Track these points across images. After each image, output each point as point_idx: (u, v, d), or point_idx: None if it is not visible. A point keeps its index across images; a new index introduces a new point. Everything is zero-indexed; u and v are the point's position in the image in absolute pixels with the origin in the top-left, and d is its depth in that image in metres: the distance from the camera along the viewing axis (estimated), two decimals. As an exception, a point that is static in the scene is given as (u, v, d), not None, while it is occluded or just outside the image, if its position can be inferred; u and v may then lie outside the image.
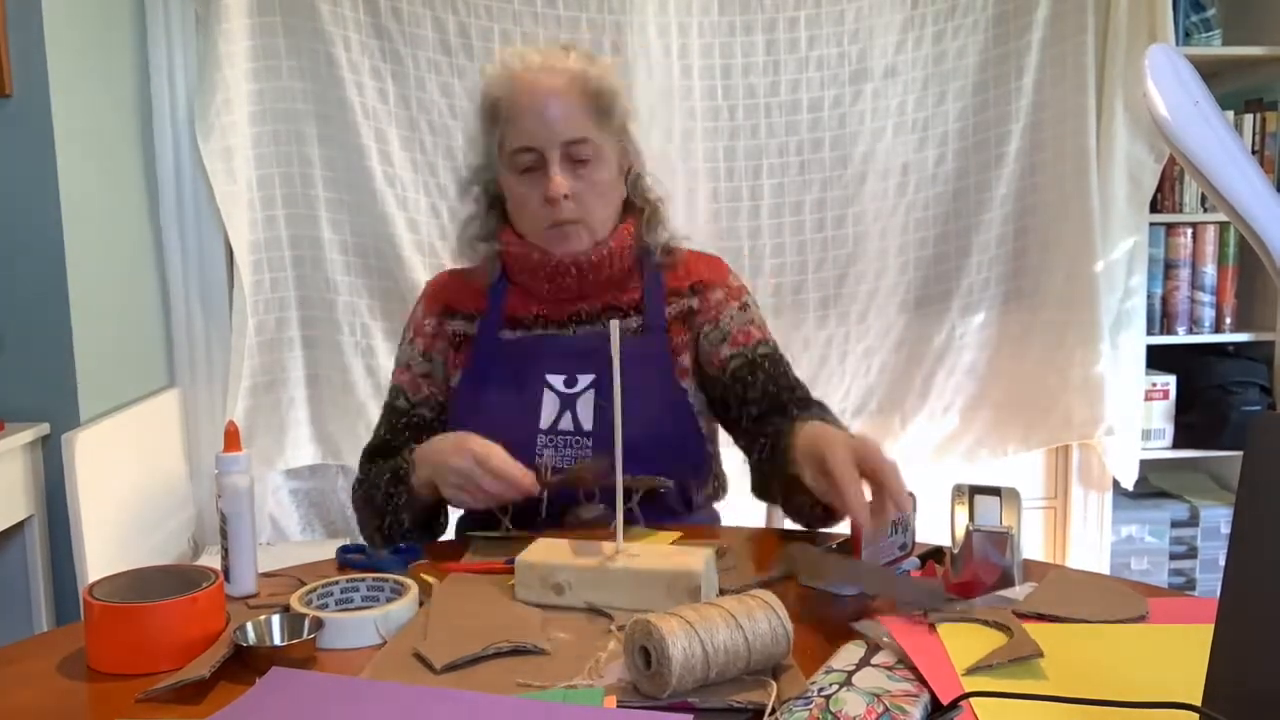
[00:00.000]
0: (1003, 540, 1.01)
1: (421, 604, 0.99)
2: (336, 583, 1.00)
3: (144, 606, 0.88)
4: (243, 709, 0.79)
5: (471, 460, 1.16)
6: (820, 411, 1.33)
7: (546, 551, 1.04)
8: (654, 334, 1.37)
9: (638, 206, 1.41)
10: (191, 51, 2.28)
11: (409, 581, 1.00)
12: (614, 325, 1.01)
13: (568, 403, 1.32)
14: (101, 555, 1.89)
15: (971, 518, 1.07)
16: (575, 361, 1.33)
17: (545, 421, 1.32)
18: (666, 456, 1.30)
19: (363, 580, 1.01)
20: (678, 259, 1.42)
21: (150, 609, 0.88)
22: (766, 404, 1.36)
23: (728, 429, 1.42)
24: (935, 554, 1.11)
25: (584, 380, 1.33)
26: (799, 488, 1.14)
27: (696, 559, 0.99)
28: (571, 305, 1.37)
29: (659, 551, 1.03)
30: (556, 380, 1.34)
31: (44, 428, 1.86)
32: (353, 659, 0.89)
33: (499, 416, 1.31)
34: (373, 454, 1.40)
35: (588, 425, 1.32)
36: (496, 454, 1.16)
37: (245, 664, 0.87)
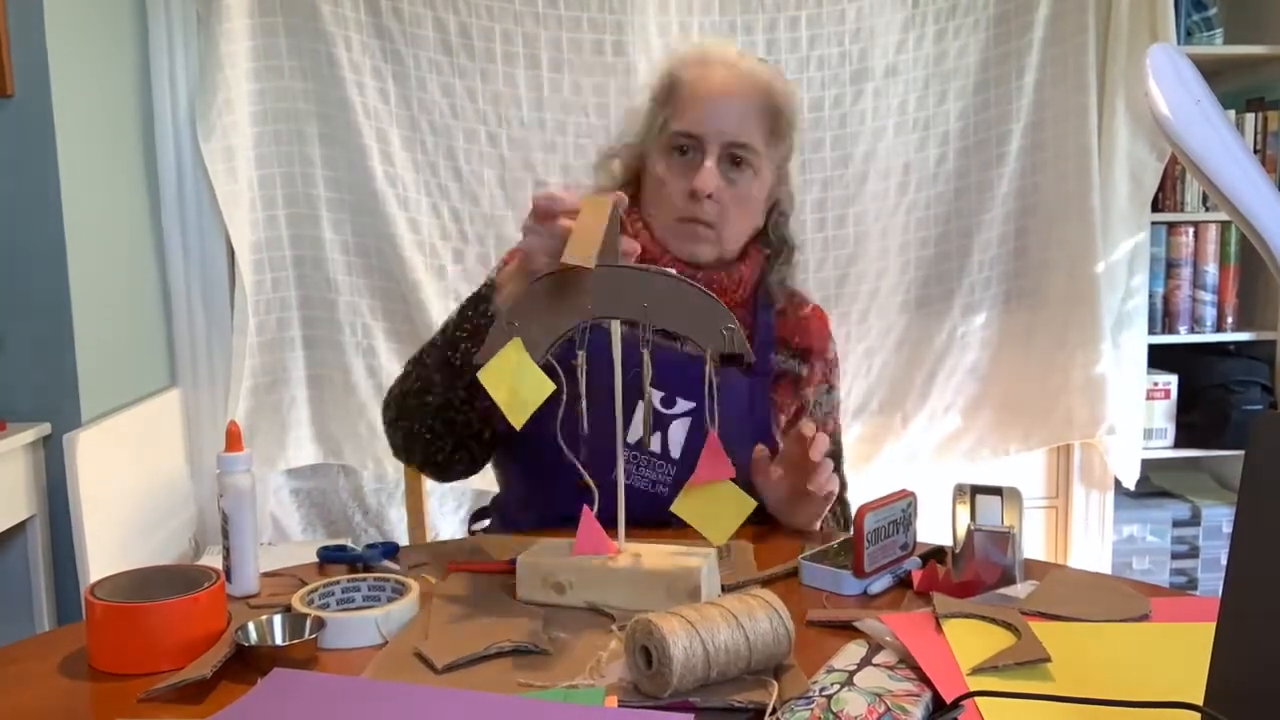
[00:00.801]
0: (1004, 540, 1.01)
1: (423, 604, 0.99)
2: (338, 583, 1.00)
3: (145, 606, 0.88)
4: (244, 709, 0.79)
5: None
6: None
7: (548, 551, 1.03)
8: (760, 378, 1.32)
9: (773, 243, 1.35)
10: (193, 52, 2.28)
11: (410, 581, 1.00)
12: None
13: (661, 423, 1.27)
14: (103, 555, 1.89)
15: (973, 517, 1.07)
16: (679, 383, 1.25)
17: (633, 435, 1.26)
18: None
19: (364, 580, 1.01)
20: (794, 309, 1.38)
21: (152, 609, 0.88)
22: None
23: None
24: (937, 553, 1.11)
25: (683, 405, 1.27)
26: None
27: (698, 560, 0.99)
28: None
29: (661, 552, 1.02)
30: (655, 395, 1.27)
31: (45, 428, 1.86)
32: (354, 659, 0.89)
33: (587, 413, 1.24)
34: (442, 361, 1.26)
35: (676, 453, 1.26)
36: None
37: (247, 664, 0.87)
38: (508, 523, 1.38)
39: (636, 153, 1.33)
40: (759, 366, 1.32)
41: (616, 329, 1.00)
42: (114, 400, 2.05)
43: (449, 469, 1.30)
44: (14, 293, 1.87)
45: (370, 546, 1.15)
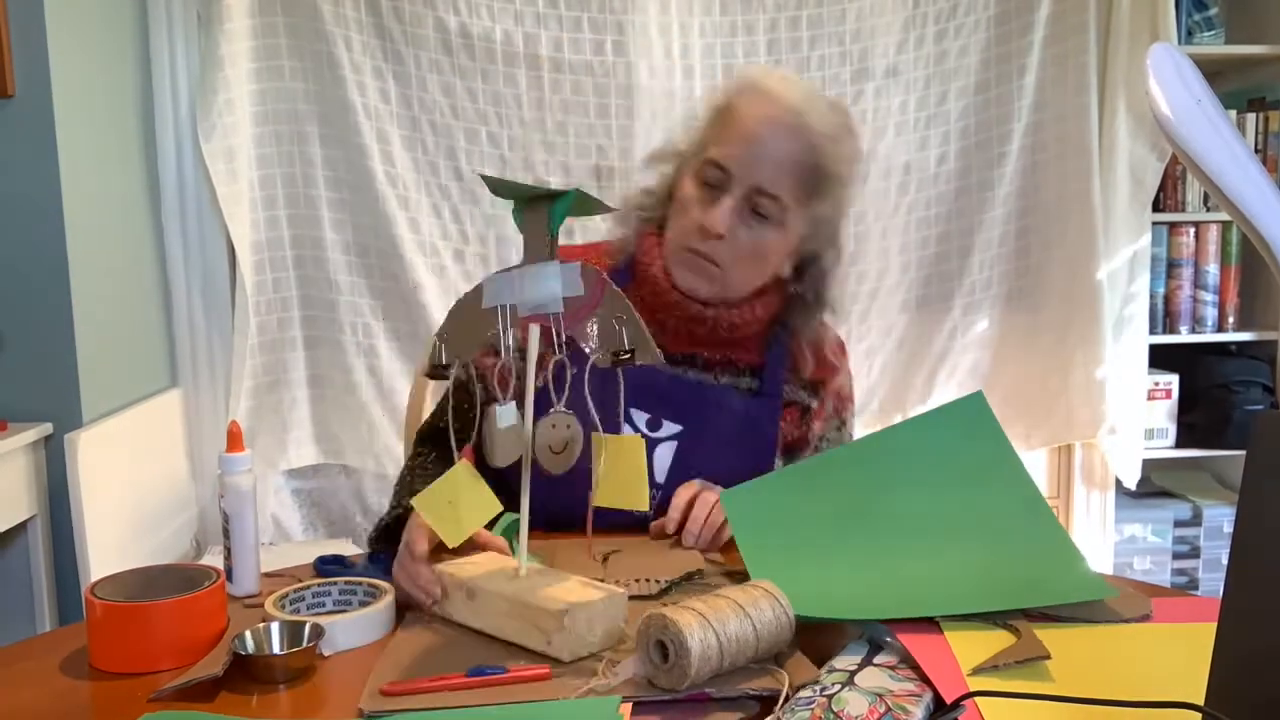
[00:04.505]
0: None
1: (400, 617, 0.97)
2: (309, 587, 0.99)
3: (146, 605, 0.88)
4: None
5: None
6: None
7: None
8: (769, 401, 1.27)
9: (802, 296, 1.28)
10: (194, 52, 2.28)
11: (384, 585, 0.98)
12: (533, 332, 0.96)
13: (647, 447, 1.27)
14: (104, 555, 1.89)
15: None
16: (664, 405, 1.22)
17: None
18: None
19: (334, 584, 1.00)
20: (814, 339, 1.31)
21: (152, 608, 0.88)
22: None
23: None
24: None
25: (670, 428, 1.24)
26: None
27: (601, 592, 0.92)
28: (687, 346, 1.26)
29: (568, 580, 0.95)
30: (639, 417, 1.24)
31: (47, 428, 1.87)
32: (355, 664, 0.89)
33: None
34: (432, 437, 1.29)
35: (660, 477, 1.23)
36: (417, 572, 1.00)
37: (246, 673, 0.86)
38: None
39: (680, 162, 1.28)
40: (770, 390, 1.28)
41: (534, 335, 0.96)
42: (115, 400, 2.05)
43: None
44: (14, 293, 1.87)
45: (373, 560, 1.11)
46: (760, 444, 1.27)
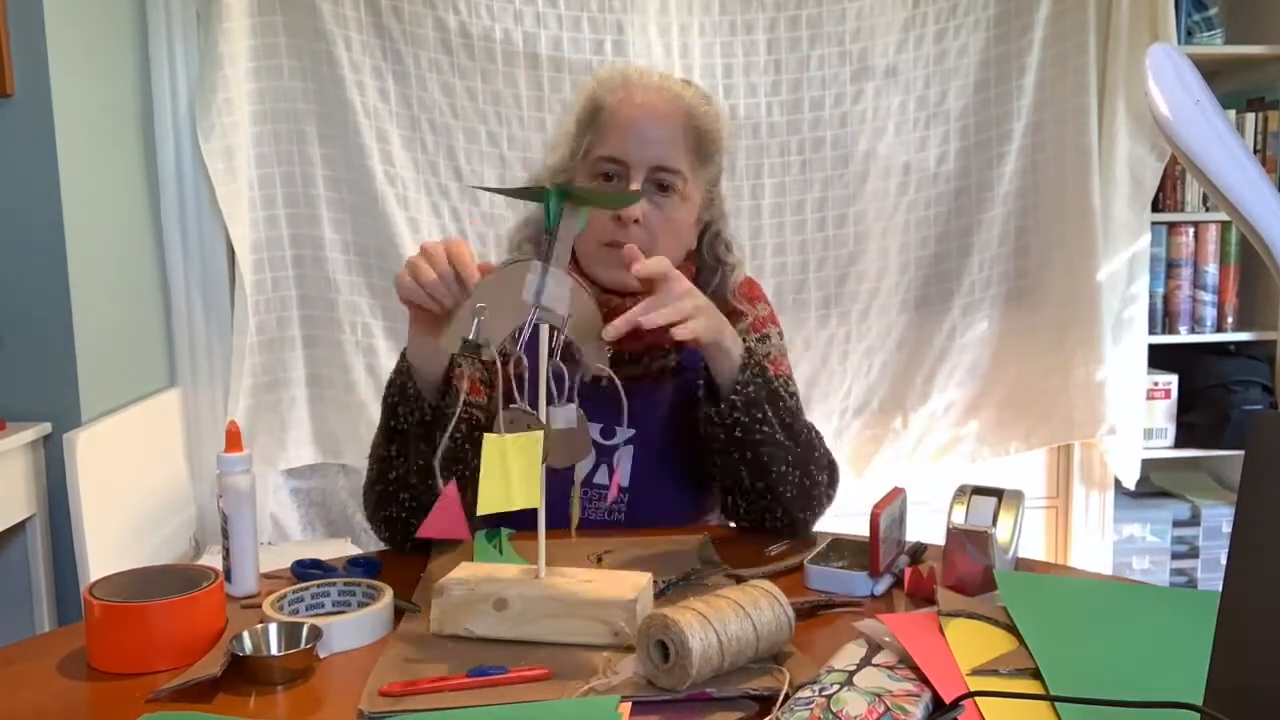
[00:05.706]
0: (982, 539, 1.01)
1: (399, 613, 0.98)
2: (308, 588, 0.99)
3: (144, 606, 0.88)
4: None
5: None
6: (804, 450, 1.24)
7: (471, 570, 0.97)
8: (690, 374, 1.28)
9: (706, 263, 1.33)
10: (193, 51, 2.28)
11: (382, 585, 0.98)
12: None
13: (604, 455, 1.26)
14: (103, 555, 1.89)
15: (966, 518, 1.06)
16: (614, 411, 1.18)
17: (580, 472, 1.24)
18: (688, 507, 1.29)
19: (333, 585, 1.00)
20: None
21: (150, 608, 0.88)
22: None
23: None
24: (917, 550, 1.11)
25: (622, 434, 1.26)
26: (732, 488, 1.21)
27: (631, 590, 0.93)
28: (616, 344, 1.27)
29: (593, 577, 0.96)
30: (593, 428, 1.24)
31: (45, 427, 1.86)
32: (354, 665, 0.89)
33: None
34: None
35: (624, 481, 1.26)
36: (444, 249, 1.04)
37: (243, 674, 0.85)
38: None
39: (564, 178, 1.30)
40: (690, 361, 1.28)
41: (544, 334, 0.96)
42: (114, 400, 2.05)
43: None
44: (13, 292, 1.87)
45: (353, 564, 1.11)
46: (693, 420, 1.27)
